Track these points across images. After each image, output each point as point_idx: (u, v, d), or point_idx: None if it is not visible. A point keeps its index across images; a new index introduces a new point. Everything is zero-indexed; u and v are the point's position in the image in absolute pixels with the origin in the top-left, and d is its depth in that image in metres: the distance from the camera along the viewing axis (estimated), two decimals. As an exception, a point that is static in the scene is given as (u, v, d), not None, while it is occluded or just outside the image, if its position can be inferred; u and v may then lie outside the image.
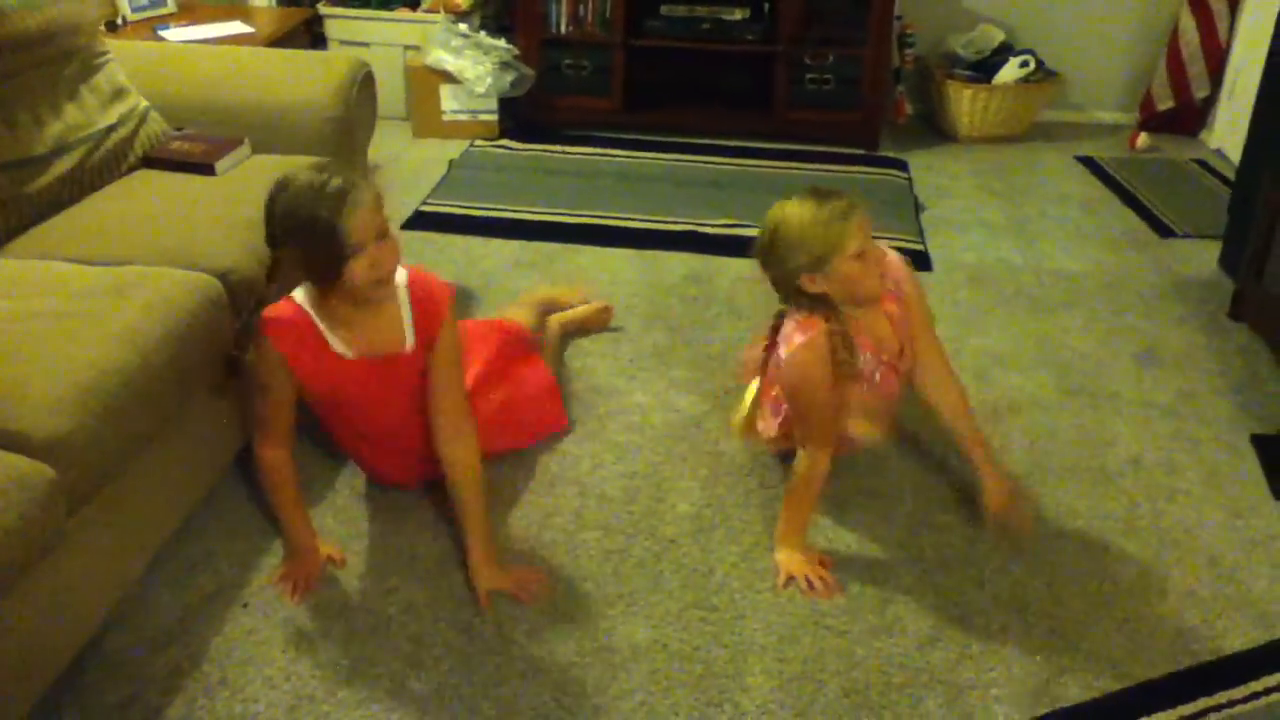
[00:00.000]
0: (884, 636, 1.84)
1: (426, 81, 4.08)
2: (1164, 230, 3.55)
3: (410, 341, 1.86)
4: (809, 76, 4.12)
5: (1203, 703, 1.72)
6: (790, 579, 1.94)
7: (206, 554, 1.97)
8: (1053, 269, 3.22)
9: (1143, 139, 4.34)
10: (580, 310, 2.73)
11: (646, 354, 2.67)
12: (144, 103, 2.50)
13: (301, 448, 2.02)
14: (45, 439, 1.54)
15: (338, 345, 1.83)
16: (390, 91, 4.10)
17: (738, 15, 4.11)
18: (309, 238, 1.68)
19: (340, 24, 4.25)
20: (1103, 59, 4.55)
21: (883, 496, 2.18)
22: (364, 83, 2.65)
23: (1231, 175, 3.56)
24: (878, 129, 4.22)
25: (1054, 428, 2.43)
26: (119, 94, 2.45)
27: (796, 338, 1.92)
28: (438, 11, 4.16)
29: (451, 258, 3.17)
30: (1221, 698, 1.73)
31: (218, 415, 2.03)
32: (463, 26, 4.10)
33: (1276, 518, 2.17)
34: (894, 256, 2.04)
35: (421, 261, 3.09)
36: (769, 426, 2.17)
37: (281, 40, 3.81)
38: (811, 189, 1.89)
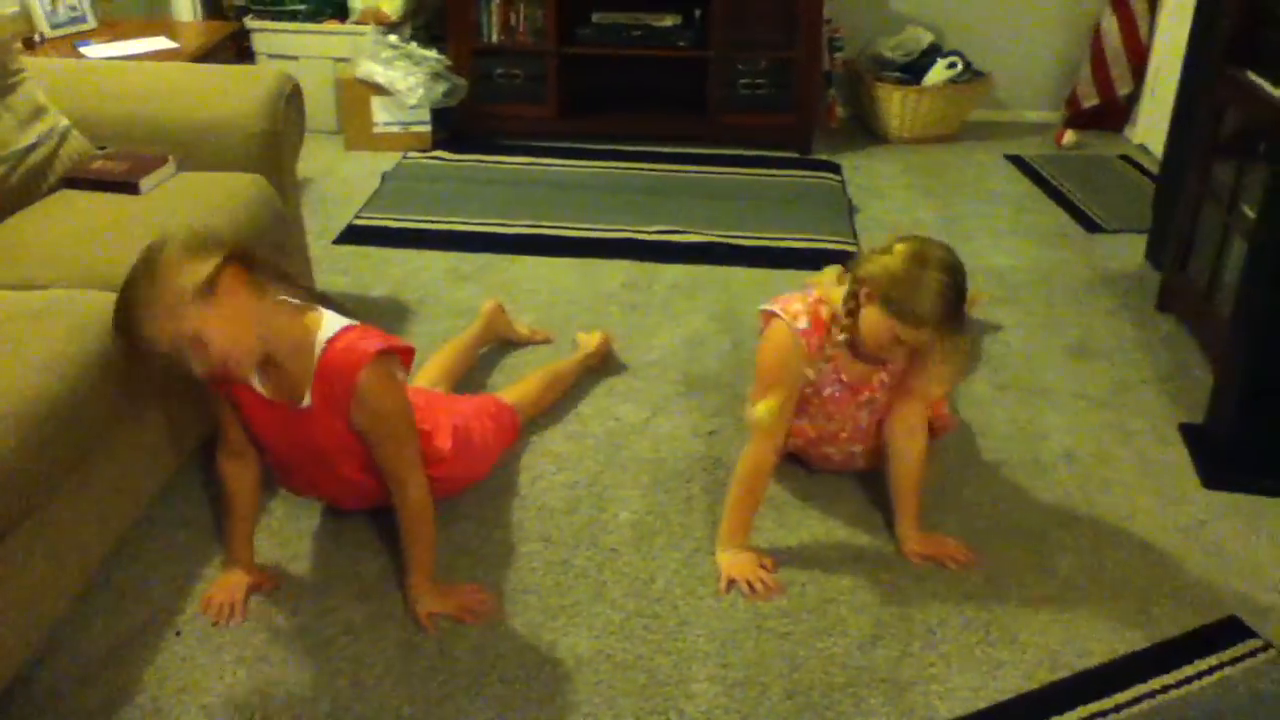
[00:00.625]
0: (826, 637, 1.85)
1: (357, 94, 4.05)
2: (1091, 225, 3.62)
3: (307, 401, 1.78)
4: (742, 81, 4.16)
5: (1137, 689, 1.75)
6: (732, 583, 1.95)
7: (140, 580, 1.93)
8: (984, 266, 3.26)
9: (1069, 136, 4.42)
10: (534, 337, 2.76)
11: (585, 362, 2.66)
12: (64, 121, 2.44)
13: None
14: (-35, 471, 1.50)
15: (254, 379, 1.80)
16: (321, 105, 4.06)
17: (668, 22, 4.13)
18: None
19: (268, 38, 4.20)
20: (1029, 59, 4.63)
21: (823, 496, 2.20)
22: (291, 97, 2.61)
23: (1155, 170, 3.64)
24: (811, 132, 4.26)
25: (988, 422, 2.47)
26: (37, 113, 2.39)
27: (796, 306, 1.99)
28: (367, 23, 4.13)
29: (387, 272, 3.14)
30: (1156, 684, 1.76)
31: (148, 438, 1.98)
32: (393, 38, 4.07)
33: (1206, 505, 2.22)
34: (940, 396, 2.12)
35: (355, 276, 3.07)
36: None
37: (207, 55, 3.74)
38: (956, 268, 1.83)
